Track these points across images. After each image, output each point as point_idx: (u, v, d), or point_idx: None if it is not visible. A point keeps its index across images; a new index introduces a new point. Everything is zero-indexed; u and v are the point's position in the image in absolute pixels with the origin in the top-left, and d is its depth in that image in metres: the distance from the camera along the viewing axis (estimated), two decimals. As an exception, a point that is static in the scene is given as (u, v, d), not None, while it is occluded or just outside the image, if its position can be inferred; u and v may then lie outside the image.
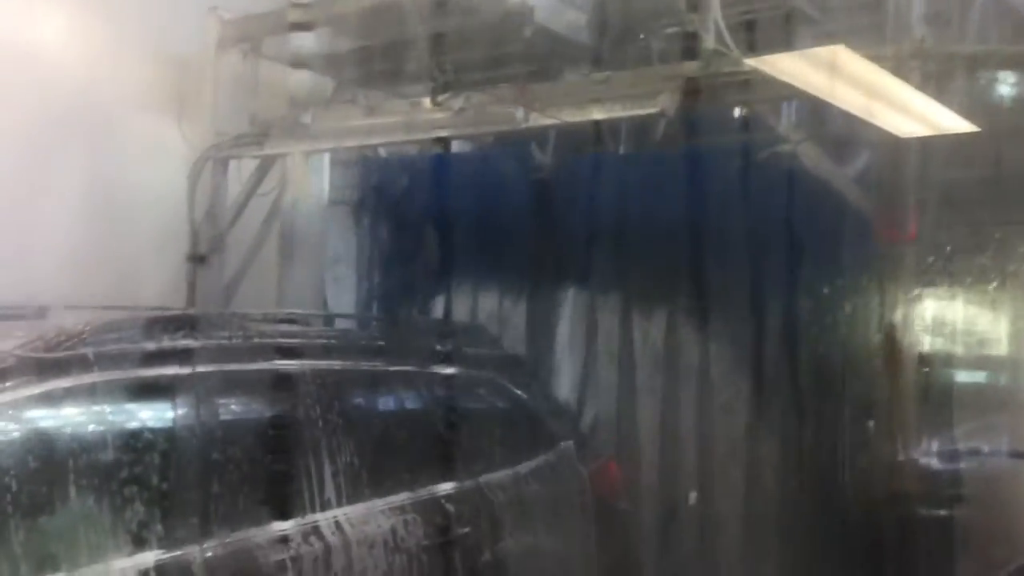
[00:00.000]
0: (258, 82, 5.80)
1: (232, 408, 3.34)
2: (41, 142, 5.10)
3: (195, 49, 5.73)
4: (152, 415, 3.15)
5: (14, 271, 4.61)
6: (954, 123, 3.91)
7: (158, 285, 5.66)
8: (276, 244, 6.25)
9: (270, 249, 6.18)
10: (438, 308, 5.80)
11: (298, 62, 5.41)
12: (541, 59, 5.00)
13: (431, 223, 5.95)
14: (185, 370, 3.21)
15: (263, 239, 6.00)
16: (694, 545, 4.83)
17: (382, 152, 6.50)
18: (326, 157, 6.68)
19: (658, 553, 4.82)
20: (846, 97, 3.98)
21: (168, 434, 3.14)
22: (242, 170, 5.84)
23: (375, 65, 5.34)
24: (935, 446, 4.72)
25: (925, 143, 4.14)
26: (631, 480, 4.76)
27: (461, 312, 5.74)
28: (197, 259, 5.73)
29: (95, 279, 5.11)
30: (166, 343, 3.26)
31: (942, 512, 4.71)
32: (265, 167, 5.76)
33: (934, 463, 4.70)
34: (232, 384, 3.37)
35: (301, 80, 5.78)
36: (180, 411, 3.17)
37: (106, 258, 5.37)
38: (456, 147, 6.55)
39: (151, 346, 3.19)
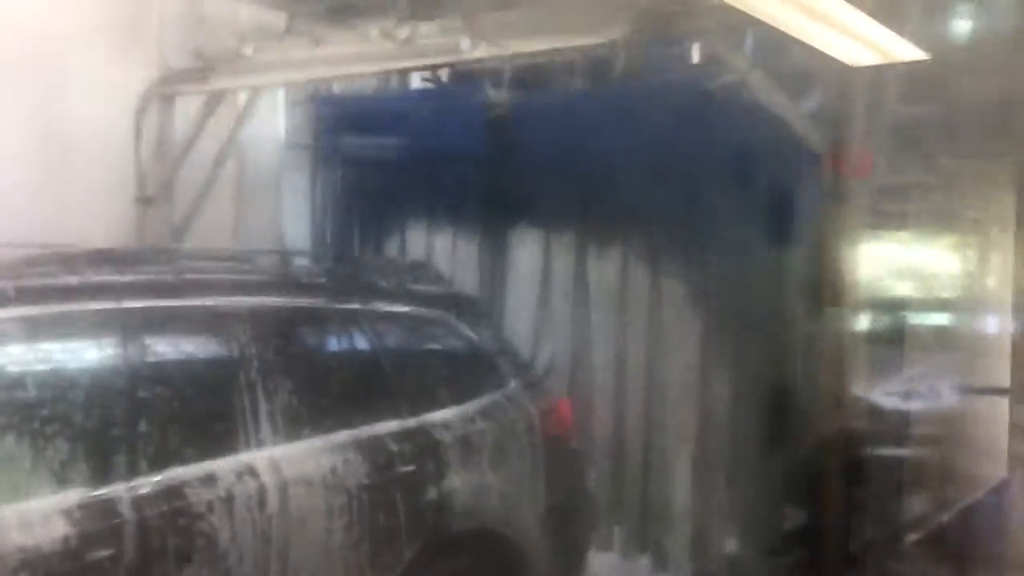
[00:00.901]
0: (205, 15, 5.64)
1: (161, 345, 3.25)
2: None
3: (140, -20, 5.55)
4: (76, 352, 3.07)
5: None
6: (906, 51, 3.82)
7: (105, 225, 5.53)
8: (231, 185, 6.16)
9: (224, 189, 6.08)
10: (392, 247, 5.72)
11: (249, -6, 5.24)
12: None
13: (385, 161, 5.84)
14: (111, 305, 3.12)
15: (214, 179, 5.87)
16: (643, 483, 4.82)
17: (336, 90, 6.37)
18: (281, 97, 6.57)
19: (608, 491, 4.82)
20: (797, 25, 3.88)
21: (93, 371, 3.06)
22: (190, 107, 5.69)
23: (328, -2, 5.18)
24: (885, 385, 4.72)
25: (877, 73, 4.05)
26: (583, 419, 4.73)
27: (415, 251, 5.66)
28: (145, 199, 5.60)
29: (39, 219, 4.99)
30: (93, 277, 3.17)
31: (891, 450, 4.72)
32: (213, 104, 5.60)
33: (884, 402, 4.70)
34: (162, 320, 3.28)
35: (252, 15, 5.63)
36: (106, 348, 3.09)
37: (51, 198, 5.23)
38: (415, 86, 6.47)
39: (75, 280, 3.10)
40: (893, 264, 4.96)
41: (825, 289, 4.45)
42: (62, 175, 5.29)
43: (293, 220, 6.42)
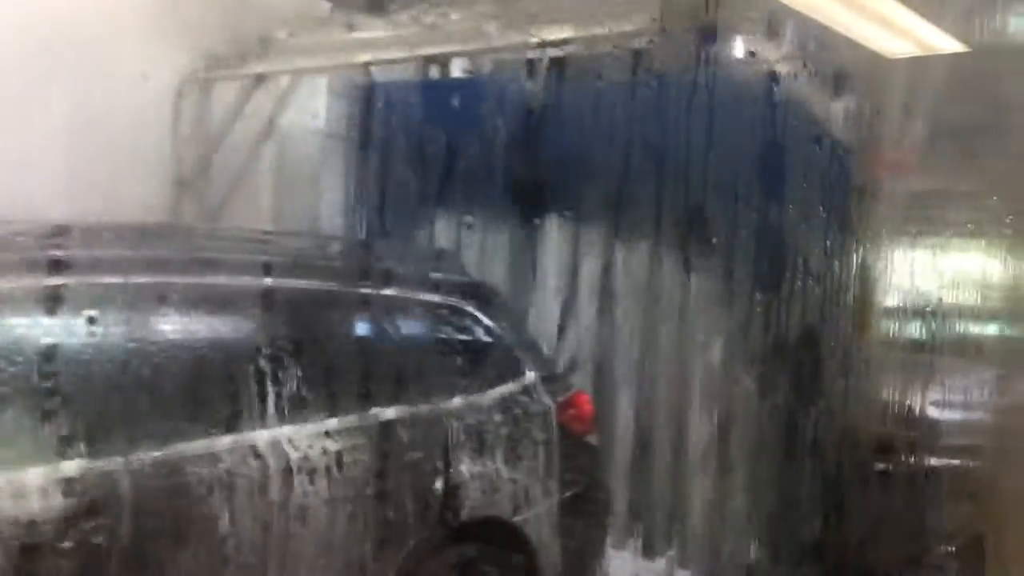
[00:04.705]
0: (248, 2, 5.67)
1: (169, 321, 3.26)
2: (26, 66, 5.02)
3: (181, -32, 5.60)
4: (81, 325, 3.09)
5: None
6: (946, 43, 3.68)
7: (142, 207, 5.58)
8: (269, 171, 6.20)
9: (262, 175, 6.12)
10: (422, 236, 5.69)
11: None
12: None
13: (421, 150, 5.81)
14: (119, 280, 3.14)
15: (251, 164, 5.91)
16: (665, 482, 4.73)
17: (377, 78, 6.36)
18: (323, 85, 6.60)
19: (629, 488, 4.74)
20: (836, 16, 3.77)
21: (96, 345, 3.07)
22: (228, 92, 5.73)
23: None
24: (922, 393, 4.54)
25: (918, 67, 3.91)
26: (605, 414, 4.65)
27: (445, 241, 5.62)
28: (182, 182, 5.66)
29: (77, 200, 5.06)
30: (103, 252, 3.19)
31: (925, 460, 4.55)
32: (251, 88, 5.63)
33: (925, 410, 4.52)
34: (171, 297, 3.28)
35: (297, 2, 5.65)
36: (110, 322, 3.10)
37: (89, 179, 5.30)
38: (454, 75, 6.45)
39: (85, 254, 3.12)
40: (934, 269, 4.77)
41: (859, 292, 4.31)
42: (101, 157, 5.36)
43: (329, 207, 6.44)
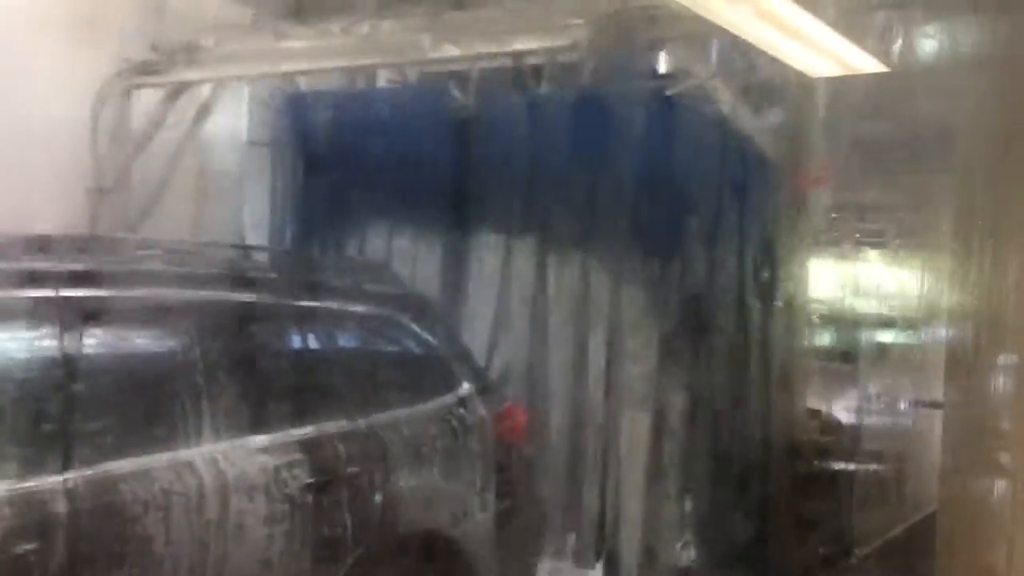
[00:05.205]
0: (167, 7, 5.56)
1: (101, 336, 3.17)
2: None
3: (101, -29, 5.46)
4: (11, 340, 2.98)
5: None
6: (868, 64, 3.82)
7: (59, 215, 5.42)
8: (191, 180, 6.07)
9: (184, 184, 5.99)
10: (352, 247, 5.64)
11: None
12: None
13: (348, 161, 5.77)
14: (49, 294, 3.04)
15: (172, 173, 5.78)
16: (598, 492, 4.78)
17: (300, 88, 6.29)
18: (245, 93, 6.49)
19: (562, 499, 4.77)
20: (761, 35, 3.87)
21: (28, 361, 2.97)
22: (150, 99, 5.60)
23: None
24: (839, 399, 4.71)
25: (838, 86, 4.06)
26: (538, 425, 4.69)
27: (376, 252, 5.59)
28: (100, 191, 5.50)
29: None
30: (31, 264, 3.08)
31: (844, 464, 4.72)
32: (173, 96, 5.52)
33: (838, 416, 4.70)
34: (102, 311, 3.19)
35: (216, 9, 5.56)
36: (43, 338, 3.00)
37: (3, 189, 5.12)
38: (381, 85, 6.42)
39: (11, 267, 3.01)
40: (850, 279, 4.96)
41: (782, 301, 4.44)
42: (17, 164, 5.18)
43: (253, 218, 6.34)
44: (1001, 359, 2.05)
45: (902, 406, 5.10)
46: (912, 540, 4.73)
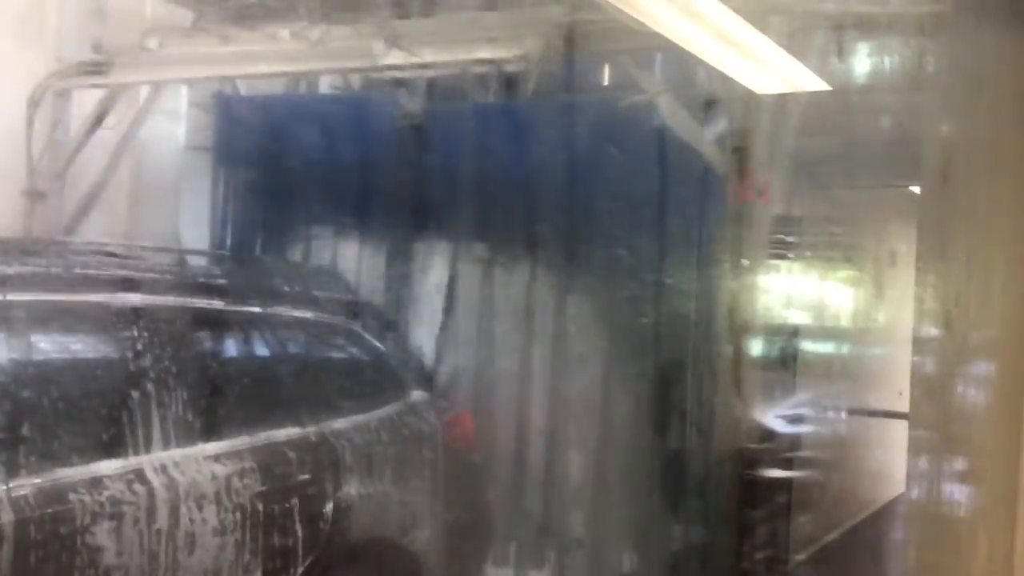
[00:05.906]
0: (105, 8, 5.45)
1: (47, 341, 3.10)
2: None
3: (38, -32, 5.34)
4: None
5: None
6: (811, 82, 3.94)
7: (-10, 219, 5.27)
8: (127, 183, 5.95)
9: (120, 187, 5.87)
10: (296, 254, 5.59)
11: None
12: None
13: (291, 166, 5.72)
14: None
15: (109, 176, 5.65)
16: (542, 498, 4.82)
17: (242, 91, 6.22)
18: (184, 96, 6.38)
19: (507, 506, 4.79)
20: (707, 49, 3.96)
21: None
22: (87, 101, 5.48)
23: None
24: (777, 409, 4.82)
25: (780, 102, 4.18)
26: (485, 433, 4.70)
27: (320, 259, 5.54)
28: (35, 193, 5.36)
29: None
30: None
31: (781, 472, 4.83)
32: (111, 99, 5.40)
33: (775, 425, 4.81)
34: (48, 316, 3.12)
35: (158, 10, 5.47)
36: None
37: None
38: (325, 91, 6.38)
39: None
40: (789, 291, 5.09)
41: (724, 312, 4.53)
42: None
43: (191, 222, 6.23)
44: (967, 367, 2.14)
45: (836, 415, 5.25)
46: (847, 545, 4.87)
